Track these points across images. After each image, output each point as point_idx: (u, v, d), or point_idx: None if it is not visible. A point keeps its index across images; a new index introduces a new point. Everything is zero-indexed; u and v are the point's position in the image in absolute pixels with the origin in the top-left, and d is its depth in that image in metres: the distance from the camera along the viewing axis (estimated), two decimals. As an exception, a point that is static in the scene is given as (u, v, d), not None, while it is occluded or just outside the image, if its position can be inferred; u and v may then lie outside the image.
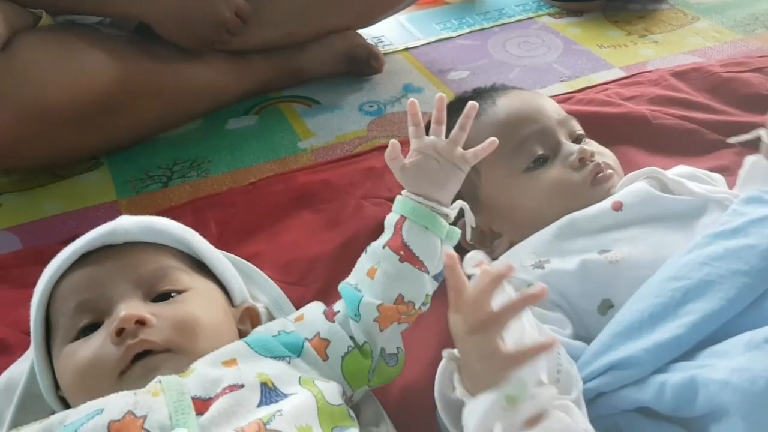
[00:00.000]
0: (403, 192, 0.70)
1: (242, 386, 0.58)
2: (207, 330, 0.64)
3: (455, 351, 0.57)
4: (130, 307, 0.62)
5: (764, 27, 1.43)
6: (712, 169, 0.86)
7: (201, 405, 0.57)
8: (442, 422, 0.67)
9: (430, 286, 0.68)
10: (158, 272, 0.66)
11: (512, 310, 0.52)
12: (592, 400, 0.62)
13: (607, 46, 1.40)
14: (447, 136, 0.71)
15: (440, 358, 0.76)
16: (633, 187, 0.77)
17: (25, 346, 0.73)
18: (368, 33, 1.42)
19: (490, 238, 0.83)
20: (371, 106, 1.26)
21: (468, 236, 0.73)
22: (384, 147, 1.13)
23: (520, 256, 0.75)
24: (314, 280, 0.87)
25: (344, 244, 0.90)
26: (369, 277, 0.67)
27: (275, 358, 0.63)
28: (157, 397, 0.57)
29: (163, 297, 0.65)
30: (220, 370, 0.60)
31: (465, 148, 0.85)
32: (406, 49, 1.45)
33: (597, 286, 0.70)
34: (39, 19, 1.08)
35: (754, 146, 0.77)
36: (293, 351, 0.64)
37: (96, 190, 1.10)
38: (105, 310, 0.63)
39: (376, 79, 1.33)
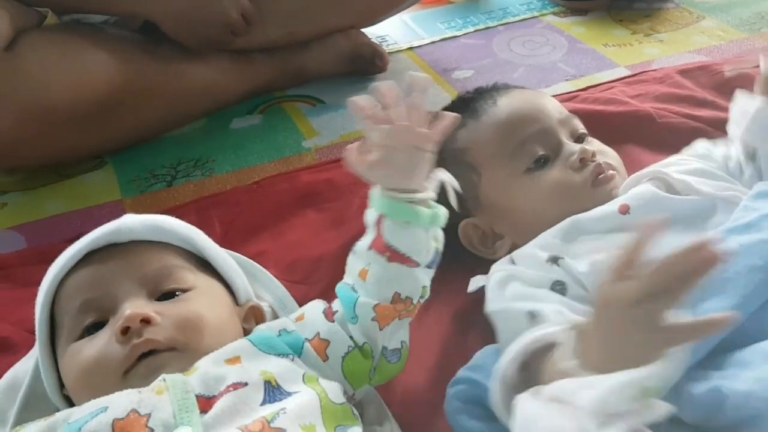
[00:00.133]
0: (376, 188, 0.66)
1: (246, 384, 0.58)
2: (211, 328, 0.64)
3: (581, 320, 0.54)
4: (135, 306, 0.62)
5: (770, 25, 1.43)
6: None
7: (205, 403, 0.57)
8: (456, 420, 0.67)
9: (426, 278, 0.66)
10: (163, 271, 0.66)
11: (698, 274, 0.48)
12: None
13: (612, 45, 1.39)
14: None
15: (444, 357, 0.76)
16: (638, 190, 0.76)
17: (30, 345, 0.73)
18: (372, 32, 1.41)
19: (492, 239, 0.83)
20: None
21: (453, 203, 0.69)
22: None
23: (534, 253, 0.74)
24: (319, 279, 0.87)
25: (349, 243, 0.89)
26: (361, 278, 0.65)
27: (279, 355, 0.62)
28: (161, 395, 0.57)
29: (168, 296, 0.65)
30: (223, 368, 0.59)
31: (469, 149, 0.85)
32: (411, 49, 1.44)
33: None
34: (44, 18, 1.09)
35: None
36: (294, 351, 0.64)
37: (100, 189, 1.10)
38: (110, 309, 0.63)
39: (380, 79, 1.33)
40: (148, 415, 0.55)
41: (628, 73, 1.27)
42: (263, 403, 0.57)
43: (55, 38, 1.06)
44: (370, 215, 0.66)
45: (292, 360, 0.63)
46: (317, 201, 1.00)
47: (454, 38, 1.48)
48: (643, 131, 1.04)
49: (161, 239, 0.70)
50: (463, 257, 0.82)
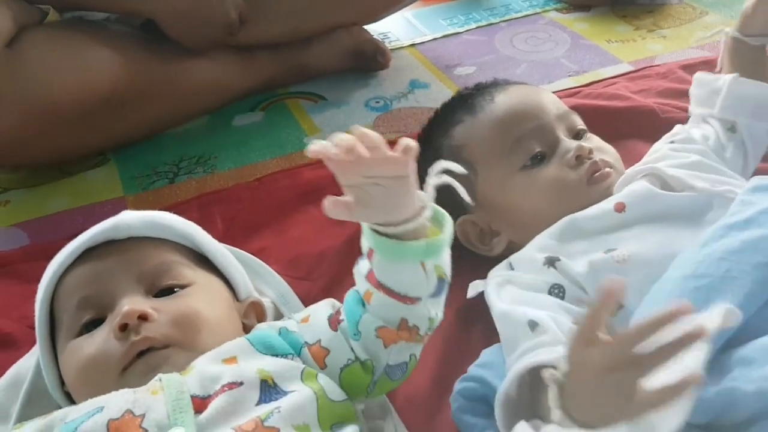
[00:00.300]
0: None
1: (241, 384, 0.57)
2: (210, 324, 0.63)
3: (557, 372, 0.54)
4: (133, 302, 0.62)
5: (774, 21, 1.42)
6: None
7: (200, 403, 0.56)
8: (460, 417, 0.67)
9: (432, 308, 0.61)
10: (161, 267, 0.66)
11: (670, 352, 0.47)
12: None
13: (615, 41, 1.39)
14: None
15: (446, 354, 0.76)
16: (633, 187, 0.75)
17: (32, 341, 0.73)
18: (375, 29, 1.41)
19: (489, 236, 0.83)
20: (378, 102, 1.26)
21: (465, 197, 0.62)
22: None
23: (531, 257, 0.74)
24: (321, 275, 0.87)
25: (351, 238, 0.90)
26: (366, 300, 0.61)
27: (276, 356, 0.62)
28: (156, 395, 0.56)
29: (166, 292, 0.65)
30: (219, 367, 0.59)
31: (466, 146, 0.84)
32: (413, 45, 1.44)
33: None
34: (46, 14, 1.09)
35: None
36: (294, 350, 0.63)
37: (103, 186, 1.10)
38: (108, 306, 0.63)
39: (382, 75, 1.33)
40: (143, 416, 0.55)
41: (631, 68, 1.27)
42: (259, 402, 0.57)
43: (57, 35, 1.06)
44: (364, 243, 0.60)
45: (292, 358, 0.62)
46: (319, 197, 0.98)
47: (457, 35, 1.47)
48: (647, 127, 1.03)
49: (159, 235, 0.69)
50: (465, 254, 0.82)
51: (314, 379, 0.60)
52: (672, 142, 0.84)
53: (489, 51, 1.40)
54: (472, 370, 0.70)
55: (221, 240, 0.76)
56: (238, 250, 0.81)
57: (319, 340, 0.63)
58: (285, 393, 0.58)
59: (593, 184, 0.78)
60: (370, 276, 0.60)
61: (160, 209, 0.77)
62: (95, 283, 0.65)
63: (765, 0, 0.89)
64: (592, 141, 0.83)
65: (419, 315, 0.61)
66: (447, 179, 0.60)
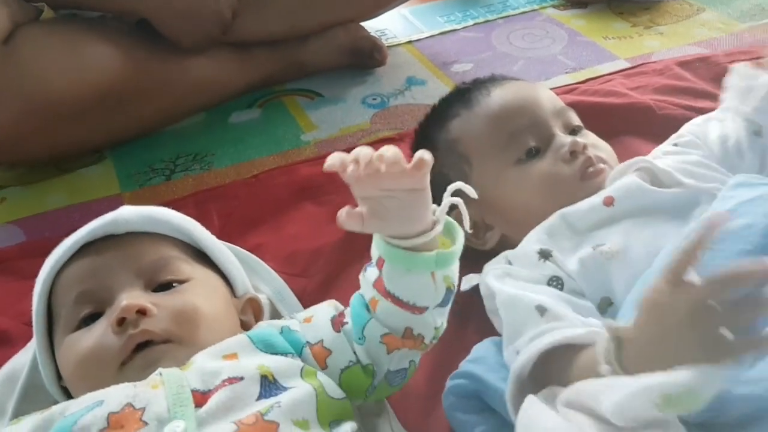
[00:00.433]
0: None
1: (242, 379, 0.57)
2: (208, 320, 0.63)
3: (620, 325, 0.52)
4: (131, 297, 0.62)
5: (771, 18, 1.42)
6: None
7: (200, 398, 0.56)
8: (453, 414, 0.67)
9: (438, 318, 0.62)
10: (159, 262, 0.66)
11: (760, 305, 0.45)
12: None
13: (612, 38, 1.39)
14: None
15: (441, 349, 0.75)
16: (624, 181, 0.75)
17: (28, 338, 0.73)
18: (372, 26, 1.41)
19: (483, 230, 0.83)
20: (374, 99, 1.26)
21: (466, 225, 0.63)
22: (388, 139, 1.16)
23: (525, 251, 0.74)
24: (317, 271, 0.87)
25: (347, 235, 0.90)
26: (372, 307, 0.61)
27: (276, 354, 0.62)
28: (156, 389, 0.57)
29: (165, 287, 0.65)
30: (219, 363, 0.59)
31: (461, 140, 0.84)
32: (410, 42, 1.44)
33: (596, 283, 0.69)
34: (41, 12, 1.09)
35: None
36: (295, 350, 0.63)
37: (99, 183, 1.10)
38: (106, 300, 0.63)
39: (379, 72, 1.33)
40: (143, 409, 0.55)
41: (628, 65, 1.27)
42: (259, 397, 0.57)
43: (54, 31, 1.06)
44: (374, 251, 0.60)
45: (292, 357, 0.62)
46: (316, 194, 1.00)
47: (454, 32, 1.47)
48: (643, 123, 1.03)
49: (158, 231, 0.69)
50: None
51: (314, 376, 0.60)
52: (675, 144, 0.83)
53: (486, 48, 1.40)
54: (464, 366, 0.70)
55: (218, 236, 0.76)
56: (234, 246, 0.81)
57: (322, 341, 0.63)
58: (285, 389, 0.58)
59: (586, 180, 0.77)
60: (378, 284, 0.60)
61: (157, 206, 0.77)
62: (94, 278, 0.65)
63: None
64: (588, 137, 0.83)
65: (425, 324, 0.61)
66: (457, 201, 0.60)
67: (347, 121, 1.20)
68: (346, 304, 0.67)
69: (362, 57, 1.32)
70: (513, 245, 0.77)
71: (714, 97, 1.07)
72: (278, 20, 1.23)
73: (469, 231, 0.62)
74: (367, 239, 0.64)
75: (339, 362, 0.62)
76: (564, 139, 0.80)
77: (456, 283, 0.61)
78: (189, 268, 0.68)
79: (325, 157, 1.06)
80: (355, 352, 0.62)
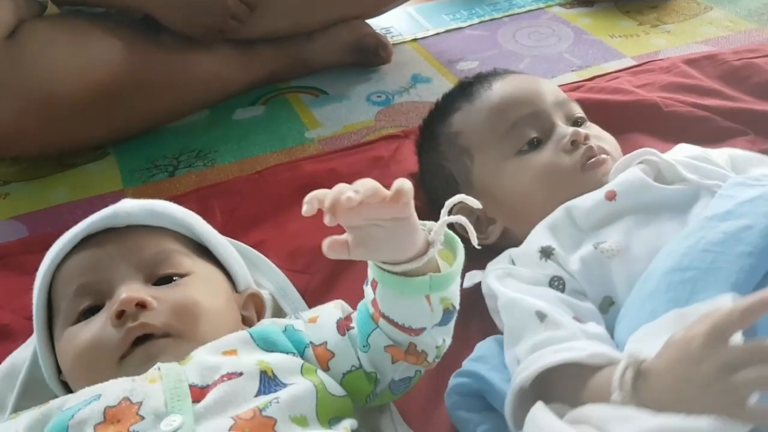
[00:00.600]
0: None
1: (240, 374, 0.57)
2: (208, 315, 0.63)
3: (642, 356, 0.53)
4: (131, 290, 0.61)
5: (779, 16, 1.41)
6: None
7: (198, 393, 0.56)
8: (455, 413, 0.66)
9: (439, 336, 0.60)
10: (160, 255, 0.66)
11: None
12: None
13: (618, 36, 1.38)
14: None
15: (447, 354, 0.75)
16: (627, 175, 0.74)
17: (29, 333, 0.73)
18: (377, 24, 1.41)
19: (485, 224, 0.82)
20: (379, 96, 1.25)
21: (474, 240, 0.60)
22: (392, 136, 1.15)
23: (527, 249, 0.73)
24: (320, 268, 0.86)
25: (351, 232, 0.89)
26: (375, 320, 0.60)
27: (276, 353, 0.61)
28: (154, 384, 0.56)
29: (165, 280, 0.65)
30: (218, 358, 0.59)
31: (462, 133, 0.83)
32: (415, 40, 1.43)
33: (597, 282, 0.69)
34: (45, 8, 1.08)
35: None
36: (297, 350, 0.62)
37: (102, 179, 1.10)
38: (106, 293, 0.63)
39: (384, 70, 1.32)
40: (140, 403, 0.55)
41: (634, 63, 1.26)
42: (258, 393, 0.56)
43: (57, 27, 1.06)
44: (369, 274, 0.59)
45: (293, 356, 0.61)
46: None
47: (459, 30, 1.46)
48: (650, 120, 1.02)
49: (159, 224, 0.69)
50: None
51: (314, 373, 0.60)
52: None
53: (492, 46, 1.40)
54: (466, 364, 0.69)
55: (220, 232, 0.76)
56: (236, 242, 0.81)
57: (326, 343, 0.62)
58: (284, 385, 0.57)
59: (587, 171, 0.76)
60: (374, 304, 0.60)
61: (159, 201, 0.77)
62: (94, 270, 0.64)
63: None
64: (591, 129, 0.82)
65: (426, 343, 0.60)
66: (461, 219, 0.57)
67: (351, 118, 1.20)
68: (349, 301, 0.67)
69: (367, 54, 1.32)
70: (516, 239, 0.76)
71: (721, 95, 1.07)
72: (283, 17, 1.23)
73: (478, 247, 0.60)
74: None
75: (342, 366, 0.62)
76: (565, 129, 0.79)
77: (456, 303, 0.59)
78: (190, 262, 0.67)
79: (328, 154, 1.08)
80: (359, 358, 0.62)
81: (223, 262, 0.71)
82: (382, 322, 0.59)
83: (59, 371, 0.66)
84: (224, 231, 0.80)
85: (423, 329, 0.58)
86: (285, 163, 1.07)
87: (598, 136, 0.81)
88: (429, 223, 0.58)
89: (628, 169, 0.75)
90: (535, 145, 0.79)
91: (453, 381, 0.69)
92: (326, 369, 0.61)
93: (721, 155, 0.78)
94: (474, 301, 0.76)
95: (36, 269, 0.69)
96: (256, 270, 0.80)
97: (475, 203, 0.58)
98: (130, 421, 0.54)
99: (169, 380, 0.56)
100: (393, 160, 1.04)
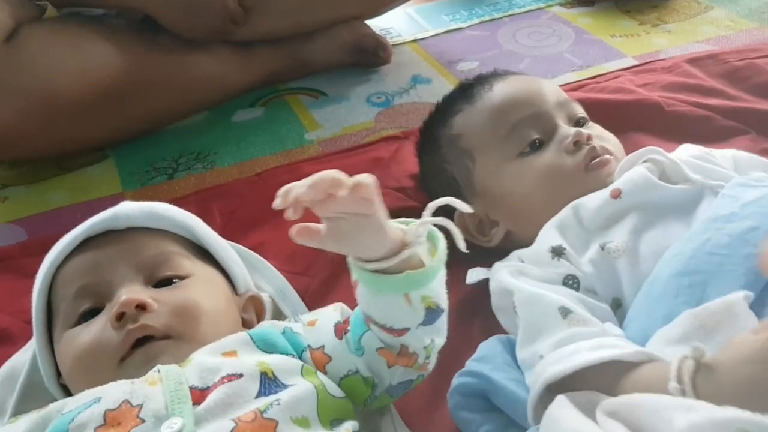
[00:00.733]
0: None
1: (241, 376, 0.56)
2: (208, 317, 0.63)
3: (706, 350, 0.52)
4: (131, 292, 0.61)
5: (780, 15, 1.40)
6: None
7: (198, 395, 0.56)
8: (458, 413, 0.66)
9: (426, 336, 0.59)
10: (160, 257, 0.65)
11: None
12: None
13: (619, 36, 1.38)
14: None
15: (446, 347, 0.74)
16: (632, 174, 0.73)
17: (28, 336, 0.73)
18: (377, 24, 1.40)
19: (488, 226, 0.81)
20: (379, 98, 1.25)
21: (461, 246, 0.57)
22: (392, 137, 1.15)
23: (537, 249, 0.72)
24: (319, 270, 0.86)
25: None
26: (366, 323, 0.60)
27: (276, 354, 0.61)
28: (154, 386, 0.56)
29: (165, 282, 0.64)
30: (218, 360, 0.58)
31: (464, 135, 0.83)
32: (415, 41, 1.43)
33: (606, 284, 0.68)
34: (44, 11, 1.08)
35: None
36: (296, 351, 0.62)
37: (101, 182, 1.09)
38: (106, 295, 0.63)
39: (384, 71, 1.32)
40: (140, 406, 0.54)
41: (635, 63, 1.26)
42: (258, 395, 0.56)
43: (56, 29, 1.05)
44: (352, 274, 0.58)
45: (293, 357, 0.61)
46: None
47: (459, 30, 1.46)
48: (652, 120, 1.02)
49: (159, 226, 0.69)
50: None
51: (314, 374, 0.59)
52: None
53: (492, 46, 1.39)
54: (469, 365, 0.68)
55: (220, 235, 0.75)
56: (236, 244, 0.80)
57: (323, 346, 0.62)
58: (285, 386, 0.57)
59: (591, 171, 0.76)
60: (360, 305, 0.59)
61: (158, 203, 0.76)
62: (94, 272, 0.64)
63: None
64: (594, 129, 0.82)
65: (412, 344, 0.59)
66: (445, 222, 0.56)
67: (351, 119, 1.19)
68: (349, 303, 0.66)
69: (366, 55, 1.31)
70: (519, 241, 0.76)
71: (723, 95, 1.07)
72: (282, 17, 1.22)
73: (466, 251, 0.57)
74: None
75: (339, 369, 0.61)
76: (567, 130, 0.79)
77: (440, 302, 0.58)
78: (190, 264, 0.67)
79: (328, 155, 1.08)
80: (355, 363, 0.61)
81: (223, 265, 0.71)
82: (371, 323, 0.59)
83: (59, 374, 0.66)
84: (224, 233, 0.80)
85: (406, 329, 0.57)
86: (284, 165, 1.06)
87: (600, 136, 0.80)
88: (411, 224, 0.56)
89: (634, 168, 0.74)
90: (537, 146, 0.79)
91: (456, 381, 0.68)
92: (324, 372, 0.61)
93: (725, 156, 0.78)
94: (476, 300, 0.75)
95: (35, 272, 0.68)
96: (256, 272, 0.79)
97: (464, 207, 0.56)
98: (131, 424, 0.53)
99: (169, 382, 0.56)
100: (393, 161, 1.04)
